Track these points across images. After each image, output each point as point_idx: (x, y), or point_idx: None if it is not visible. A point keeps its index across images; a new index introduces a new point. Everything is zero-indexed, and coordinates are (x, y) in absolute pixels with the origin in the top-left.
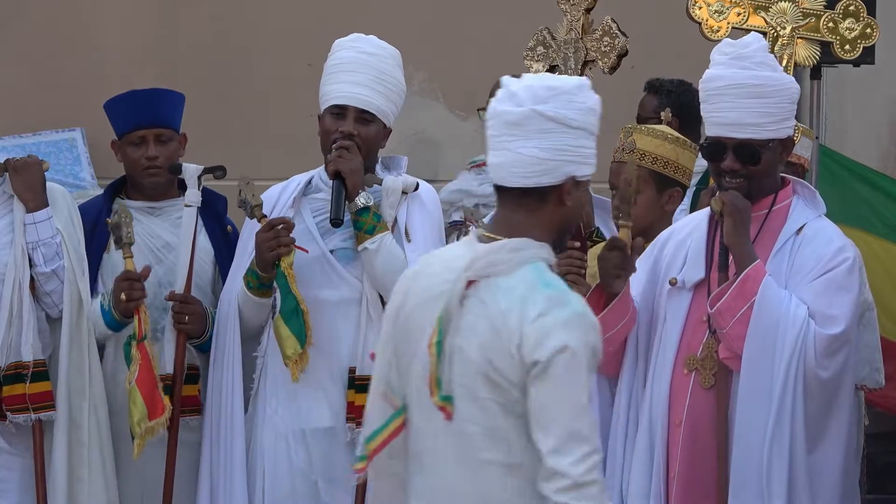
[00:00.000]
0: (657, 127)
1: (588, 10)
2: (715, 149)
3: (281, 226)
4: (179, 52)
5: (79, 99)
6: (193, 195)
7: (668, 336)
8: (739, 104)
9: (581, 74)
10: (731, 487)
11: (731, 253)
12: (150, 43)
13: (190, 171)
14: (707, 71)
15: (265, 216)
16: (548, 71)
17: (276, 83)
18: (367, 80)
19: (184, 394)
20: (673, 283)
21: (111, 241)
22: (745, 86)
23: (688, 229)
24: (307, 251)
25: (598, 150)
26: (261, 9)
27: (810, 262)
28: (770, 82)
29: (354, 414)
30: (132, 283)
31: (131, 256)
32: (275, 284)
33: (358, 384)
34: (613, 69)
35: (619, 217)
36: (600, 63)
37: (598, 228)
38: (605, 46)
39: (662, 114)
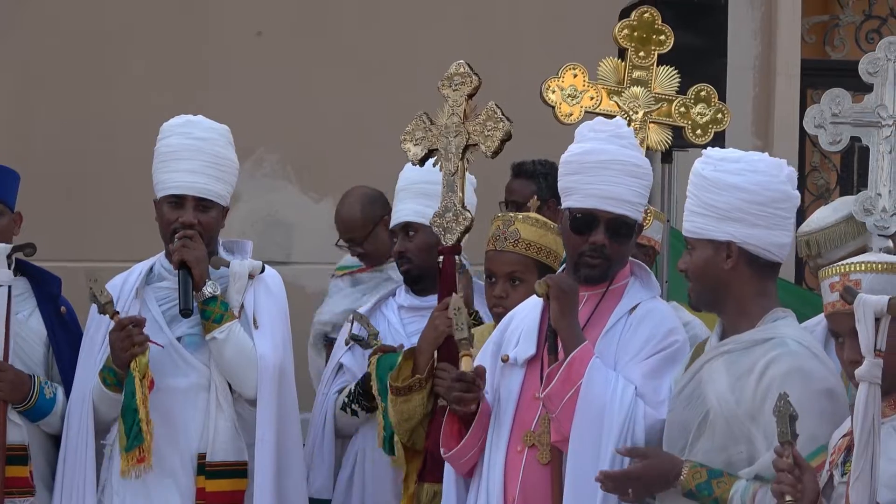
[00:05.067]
0: (533, 215)
1: (470, 96)
2: (587, 220)
3: (132, 325)
4: (31, 139)
5: None
6: (4, 274)
7: (502, 413)
8: (620, 180)
9: (462, 158)
10: None
11: (558, 336)
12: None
13: None
14: (580, 144)
15: (117, 313)
16: (427, 155)
17: (131, 166)
18: (202, 168)
19: (11, 475)
20: (504, 359)
21: None
22: (626, 164)
23: (528, 308)
24: (162, 346)
25: (471, 233)
26: (117, 94)
27: (640, 341)
28: (644, 165)
29: (205, 500)
30: None
31: None
32: None
33: (208, 470)
34: (496, 153)
35: (462, 344)
36: (483, 147)
37: (476, 311)
38: (488, 130)
39: (531, 202)
